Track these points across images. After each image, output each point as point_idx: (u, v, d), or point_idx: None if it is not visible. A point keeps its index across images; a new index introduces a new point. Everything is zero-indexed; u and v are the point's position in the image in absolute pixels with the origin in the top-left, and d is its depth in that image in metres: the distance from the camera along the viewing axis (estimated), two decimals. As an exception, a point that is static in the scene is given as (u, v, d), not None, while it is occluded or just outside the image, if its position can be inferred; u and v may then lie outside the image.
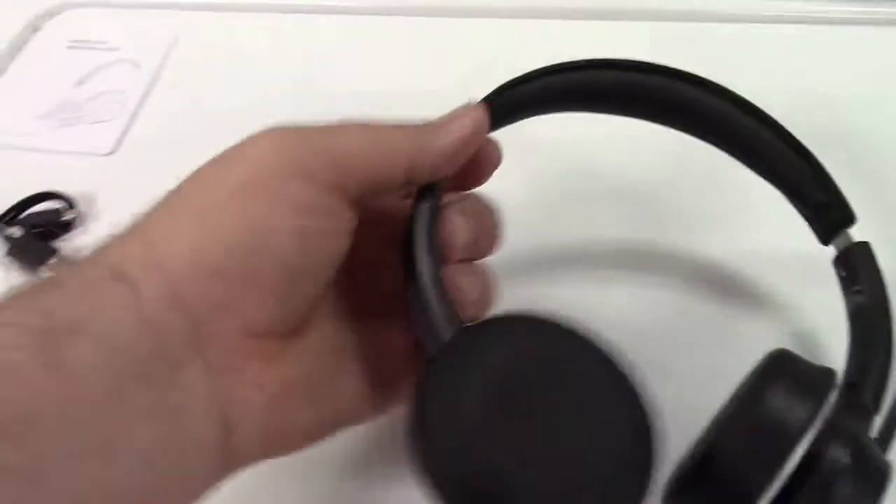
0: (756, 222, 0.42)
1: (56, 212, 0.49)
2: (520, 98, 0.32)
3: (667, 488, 0.28)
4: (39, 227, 0.49)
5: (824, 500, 0.26)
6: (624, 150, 0.46)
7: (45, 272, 0.46)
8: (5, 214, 0.49)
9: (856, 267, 0.33)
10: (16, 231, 0.48)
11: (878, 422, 0.29)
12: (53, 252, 0.47)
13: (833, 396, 0.27)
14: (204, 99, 0.56)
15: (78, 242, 0.49)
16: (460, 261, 0.30)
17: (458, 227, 0.30)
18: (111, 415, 0.23)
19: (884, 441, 0.29)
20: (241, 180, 0.26)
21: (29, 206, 0.50)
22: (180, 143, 0.52)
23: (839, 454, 0.26)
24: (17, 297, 0.24)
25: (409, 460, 0.26)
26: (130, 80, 0.57)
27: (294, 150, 0.27)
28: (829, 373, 0.28)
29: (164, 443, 0.24)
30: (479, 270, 0.31)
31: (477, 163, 0.31)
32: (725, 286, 0.40)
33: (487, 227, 0.32)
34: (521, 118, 0.33)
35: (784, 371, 0.28)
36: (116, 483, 0.22)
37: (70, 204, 0.50)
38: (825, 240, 0.34)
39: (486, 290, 0.31)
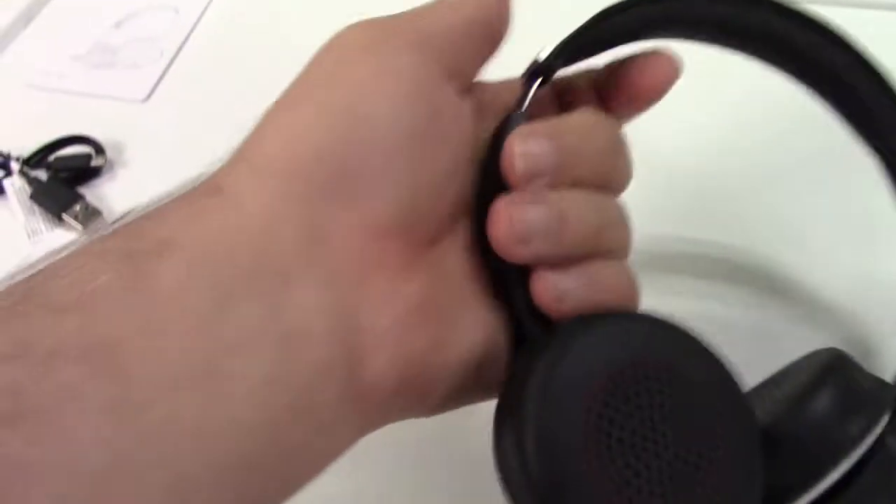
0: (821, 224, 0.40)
1: (84, 157, 0.47)
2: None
3: None
4: (66, 172, 0.47)
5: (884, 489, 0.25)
6: (686, 144, 0.43)
7: (68, 219, 0.44)
8: (32, 157, 0.47)
9: None
10: (41, 174, 0.47)
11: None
12: (79, 198, 0.45)
13: (887, 414, 0.26)
14: (243, 50, 0.53)
15: (105, 190, 0.47)
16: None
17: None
18: (211, 339, 0.20)
19: None
20: (330, 63, 0.24)
21: (56, 150, 0.48)
22: (216, 95, 0.50)
23: (878, 475, 0.25)
24: (108, 232, 0.22)
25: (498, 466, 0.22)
26: (170, 27, 0.55)
27: (377, 29, 0.25)
28: (886, 387, 0.26)
29: (278, 369, 0.21)
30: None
31: (639, 76, 0.27)
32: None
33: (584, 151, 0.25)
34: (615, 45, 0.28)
35: (841, 379, 0.26)
36: (226, 417, 0.20)
37: (99, 150, 0.47)
38: None
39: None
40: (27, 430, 0.18)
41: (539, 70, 0.26)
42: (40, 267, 0.21)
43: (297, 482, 0.22)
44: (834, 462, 0.24)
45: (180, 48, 0.54)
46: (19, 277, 0.20)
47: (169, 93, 0.51)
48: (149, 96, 0.51)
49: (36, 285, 0.20)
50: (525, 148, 0.24)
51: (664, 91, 0.27)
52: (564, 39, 0.26)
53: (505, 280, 0.25)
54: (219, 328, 0.20)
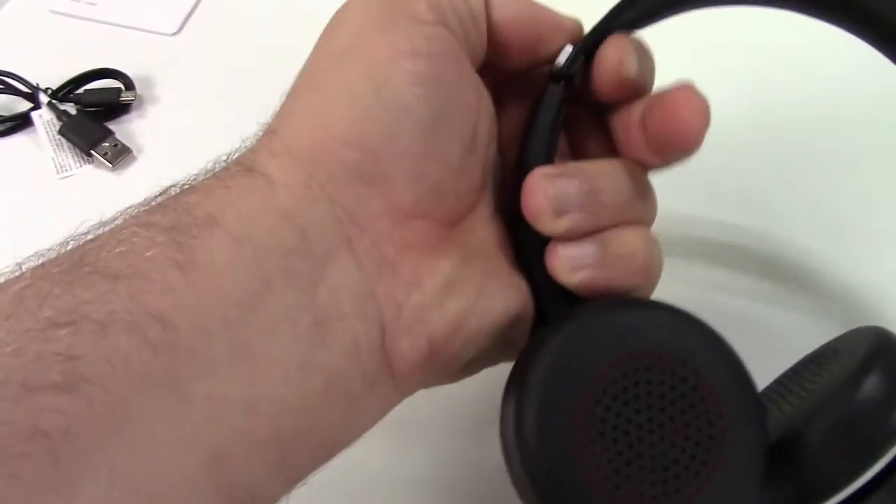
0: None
1: (114, 91, 0.46)
2: None
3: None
4: (95, 107, 0.46)
5: None
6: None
7: (97, 156, 0.43)
8: (60, 89, 0.46)
9: None
10: (70, 108, 0.45)
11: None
12: (109, 133, 0.44)
13: None
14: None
15: (134, 127, 0.46)
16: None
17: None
18: (252, 317, 0.20)
19: None
20: (344, 38, 0.24)
21: (85, 83, 0.47)
22: (248, 30, 0.49)
23: None
24: (154, 202, 0.22)
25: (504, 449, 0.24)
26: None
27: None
28: None
29: (312, 354, 0.21)
30: None
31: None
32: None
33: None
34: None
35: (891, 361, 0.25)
36: (263, 395, 0.20)
37: (129, 84, 0.46)
38: None
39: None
40: (83, 397, 0.18)
41: (559, 75, 0.26)
42: (90, 236, 0.21)
43: (328, 454, 0.23)
44: (883, 447, 0.24)
45: (211, -21, 0.52)
46: (71, 245, 0.20)
47: (200, 27, 0.50)
48: (180, 29, 0.49)
49: (88, 253, 0.20)
50: (553, 190, 0.24)
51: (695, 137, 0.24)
52: (578, 46, 0.26)
53: (528, 258, 0.26)
54: (258, 309, 0.20)
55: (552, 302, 0.26)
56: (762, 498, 0.24)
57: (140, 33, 0.50)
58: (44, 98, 0.46)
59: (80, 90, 0.46)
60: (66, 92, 0.46)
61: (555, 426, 0.22)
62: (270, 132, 0.24)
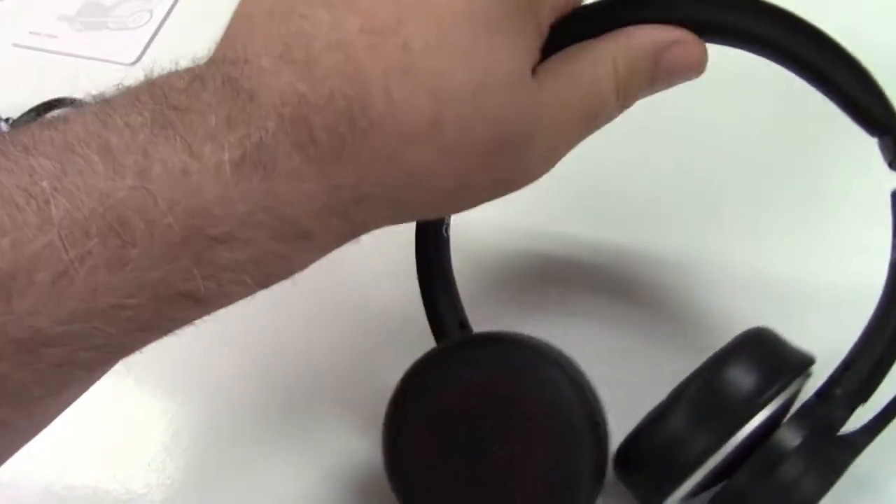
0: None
1: (72, 119, 0.47)
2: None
3: (616, 455, 0.29)
4: (54, 135, 0.47)
5: (762, 479, 0.26)
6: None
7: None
8: (21, 118, 0.47)
9: None
10: (29, 136, 0.47)
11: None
12: (67, 161, 0.45)
13: (799, 380, 0.28)
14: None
15: (93, 153, 0.47)
16: None
17: None
18: None
19: (868, 431, 0.27)
20: None
21: (45, 112, 0.48)
22: (204, 60, 0.50)
23: (787, 437, 0.26)
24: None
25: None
26: (160, -13, 0.55)
27: None
28: (801, 356, 0.28)
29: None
30: None
31: None
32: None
33: None
34: None
35: (752, 347, 0.28)
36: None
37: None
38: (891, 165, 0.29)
39: None
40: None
41: None
42: None
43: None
44: (737, 422, 0.26)
45: (170, 10, 0.53)
46: None
47: (158, 56, 0.51)
48: (139, 59, 0.51)
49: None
50: None
51: None
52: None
53: (427, 289, 0.32)
54: None
55: (446, 328, 0.32)
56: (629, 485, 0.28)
57: (100, 63, 0.51)
58: (4, 127, 0.47)
59: (39, 119, 0.47)
60: (26, 120, 0.47)
61: (410, 447, 0.29)
62: None
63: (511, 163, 0.26)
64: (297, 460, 0.35)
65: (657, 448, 0.27)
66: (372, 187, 0.24)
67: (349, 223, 0.24)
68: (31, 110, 0.47)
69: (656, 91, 0.28)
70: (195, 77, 0.23)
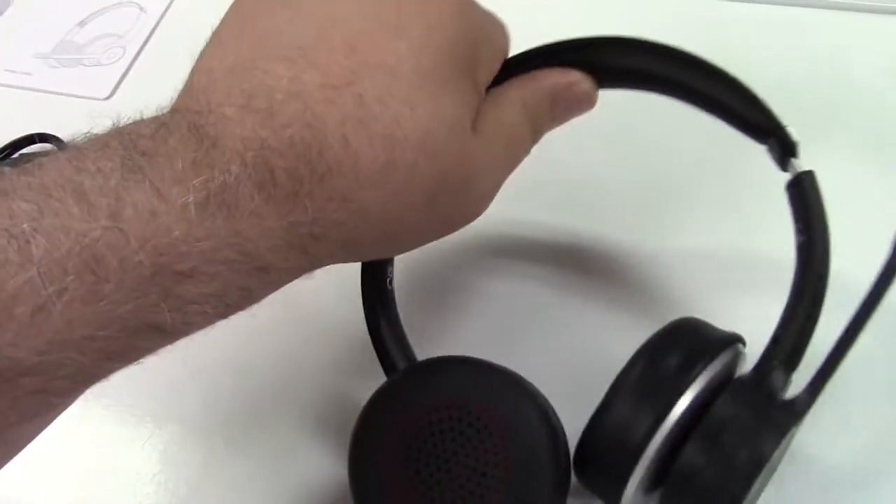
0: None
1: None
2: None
3: (574, 461, 0.30)
4: (30, 170, 0.48)
5: (708, 450, 0.27)
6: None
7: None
8: (-3, 153, 0.49)
9: (801, 200, 0.30)
10: (5, 171, 0.48)
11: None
12: (42, 195, 0.46)
13: (729, 354, 0.29)
14: (206, 49, 0.54)
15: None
16: None
17: None
18: None
19: (808, 393, 0.28)
20: None
21: (20, 148, 0.49)
22: (177, 94, 0.51)
23: (726, 407, 0.27)
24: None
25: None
26: (134, 24, 0.56)
27: None
28: (725, 335, 0.29)
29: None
30: None
31: None
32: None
33: None
34: None
35: (678, 333, 0.29)
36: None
37: (63, 148, 0.49)
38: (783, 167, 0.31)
39: None
40: None
41: None
42: None
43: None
44: (670, 401, 0.27)
45: (143, 46, 0.55)
46: None
47: (131, 91, 0.53)
48: (112, 94, 0.52)
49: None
50: None
51: None
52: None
53: (372, 323, 0.34)
54: None
55: (393, 359, 0.34)
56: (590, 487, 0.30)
57: (74, 99, 0.52)
58: (-19, 163, 0.48)
59: (16, 154, 0.49)
60: (2, 157, 0.48)
61: (371, 464, 0.30)
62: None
63: (453, 205, 0.28)
64: (266, 483, 0.36)
65: (602, 441, 0.28)
66: (328, 226, 0.26)
67: (306, 258, 0.26)
68: (7, 146, 0.49)
69: (558, 125, 0.32)
70: (161, 125, 0.24)
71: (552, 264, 0.40)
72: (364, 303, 0.35)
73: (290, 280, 0.27)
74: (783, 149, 0.30)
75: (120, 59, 0.54)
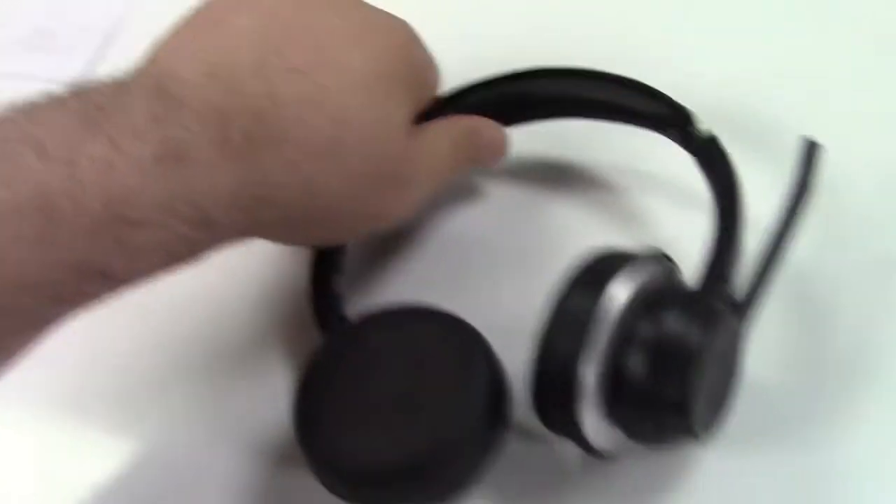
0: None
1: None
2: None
3: (532, 404, 0.30)
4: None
5: (644, 360, 0.27)
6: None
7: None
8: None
9: (709, 158, 0.35)
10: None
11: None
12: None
13: (654, 265, 0.30)
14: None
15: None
16: None
17: None
18: None
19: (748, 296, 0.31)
20: None
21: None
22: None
23: (664, 319, 0.28)
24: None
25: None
26: (105, 10, 0.56)
27: None
28: (642, 250, 0.31)
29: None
30: None
31: None
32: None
33: None
34: None
35: (601, 257, 0.30)
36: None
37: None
38: (689, 148, 0.36)
39: None
40: None
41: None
42: None
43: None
44: (594, 323, 0.28)
45: (113, 31, 0.55)
46: None
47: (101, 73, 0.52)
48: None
49: None
50: None
51: None
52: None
53: (316, 283, 0.36)
54: None
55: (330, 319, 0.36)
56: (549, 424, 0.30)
57: (43, 83, 0.52)
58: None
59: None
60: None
61: (316, 403, 0.31)
62: None
63: (388, 199, 0.32)
64: (212, 435, 0.37)
65: (544, 374, 0.28)
66: (274, 189, 0.28)
67: (247, 220, 0.28)
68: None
69: (482, 166, 0.38)
70: (121, 85, 0.27)
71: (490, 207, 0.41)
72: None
73: (231, 241, 0.29)
74: (686, 129, 0.35)
75: (90, 43, 0.54)
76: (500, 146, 0.38)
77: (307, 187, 0.29)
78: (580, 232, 0.38)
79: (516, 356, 0.30)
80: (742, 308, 0.31)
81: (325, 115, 0.29)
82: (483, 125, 0.37)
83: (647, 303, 0.28)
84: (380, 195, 0.32)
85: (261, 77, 0.28)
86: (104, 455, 0.37)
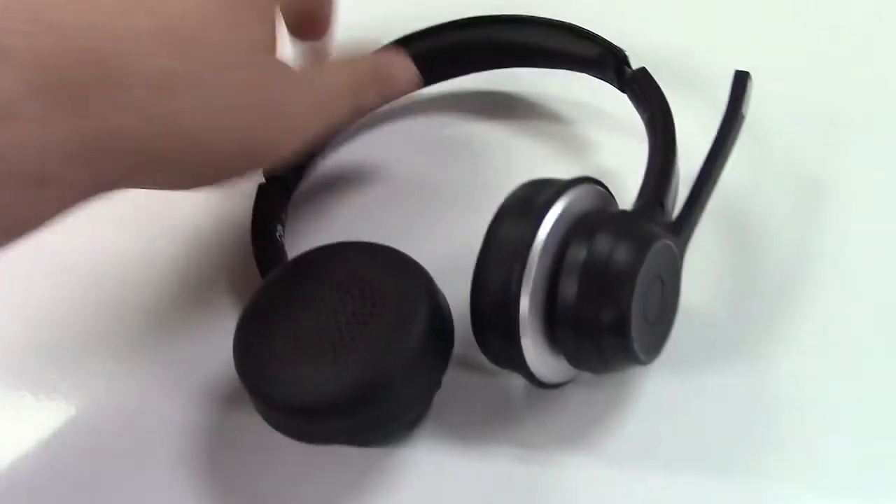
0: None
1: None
2: None
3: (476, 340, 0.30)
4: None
5: (579, 281, 0.27)
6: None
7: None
8: None
9: (640, 90, 0.35)
10: None
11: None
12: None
13: (586, 190, 0.30)
14: None
15: None
16: None
17: None
18: None
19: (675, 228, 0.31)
20: None
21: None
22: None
23: (597, 239, 0.28)
24: None
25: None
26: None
27: None
28: (580, 177, 0.30)
29: None
30: None
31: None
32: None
33: None
34: None
35: (529, 185, 0.30)
36: None
37: None
38: (621, 87, 0.37)
39: None
40: None
41: None
42: None
43: None
44: (528, 244, 0.27)
45: None
46: None
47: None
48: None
49: None
50: None
51: None
52: None
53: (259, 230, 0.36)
54: None
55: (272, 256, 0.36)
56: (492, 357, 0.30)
57: None
58: None
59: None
60: None
61: (256, 338, 0.31)
62: None
63: (262, 129, 0.29)
64: (159, 379, 0.37)
65: (482, 306, 0.28)
66: (117, 135, 0.26)
67: (93, 172, 0.26)
68: None
69: (388, 97, 0.37)
70: None
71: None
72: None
73: (78, 200, 0.27)
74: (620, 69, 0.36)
75: None
76: (411, 77, 0.36)
77: (160, 128, 0.26)
78: (524, 166, 0.37)
79: (463, 291, 0.29)
80: (676, 229, 0.30)
81: (168, 46, 0.26)
82: (388, 58, 0.36)
83: (582, 228, 0.28)
84: (254, 128, 0.29)
85: (93, 14, 0.25)
86: (48, 407, 0.36)
